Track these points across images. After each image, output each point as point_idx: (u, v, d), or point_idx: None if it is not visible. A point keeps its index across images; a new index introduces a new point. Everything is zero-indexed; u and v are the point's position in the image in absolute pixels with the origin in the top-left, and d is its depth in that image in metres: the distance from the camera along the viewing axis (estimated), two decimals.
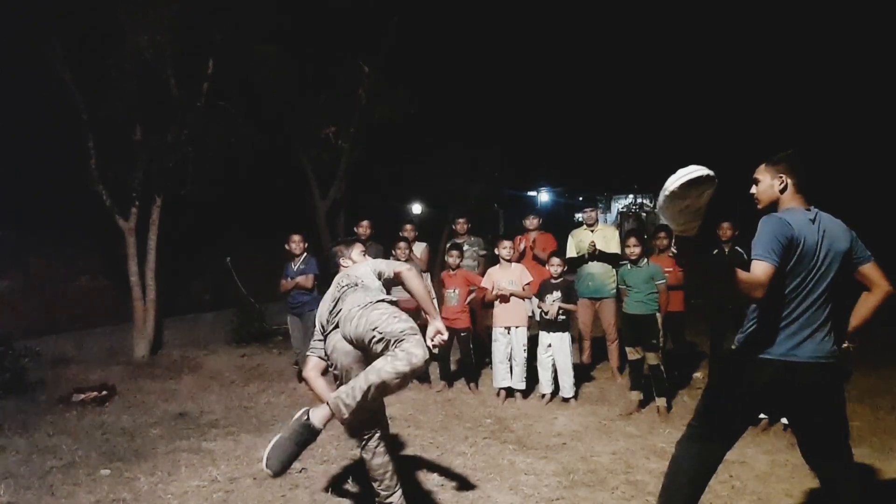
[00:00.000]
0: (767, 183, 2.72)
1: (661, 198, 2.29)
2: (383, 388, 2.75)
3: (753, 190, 2.79)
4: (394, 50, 9.97)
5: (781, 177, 2.68)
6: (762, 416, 4.70)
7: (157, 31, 6.86)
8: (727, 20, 15.47)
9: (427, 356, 2.80)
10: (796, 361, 2.52)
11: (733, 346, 2.72)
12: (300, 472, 4.00)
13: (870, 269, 2.69)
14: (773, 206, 2.72)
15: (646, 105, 18.06)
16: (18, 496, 3.70)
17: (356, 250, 3.58)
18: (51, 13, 6.55)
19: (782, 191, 2.68)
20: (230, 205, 10.15)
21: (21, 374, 6.00)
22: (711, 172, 2.23)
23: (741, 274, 2.41)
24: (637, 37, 17.34)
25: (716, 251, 6.07)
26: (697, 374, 6.43)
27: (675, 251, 2.54)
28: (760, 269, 2.44)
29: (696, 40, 15.97)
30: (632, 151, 18.87)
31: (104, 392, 5.77)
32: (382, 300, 3.05)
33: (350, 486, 3.85)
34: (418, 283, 3.30)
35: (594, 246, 6.23)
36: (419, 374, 3.09)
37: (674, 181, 2.22)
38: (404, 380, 2.77)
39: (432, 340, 3.15)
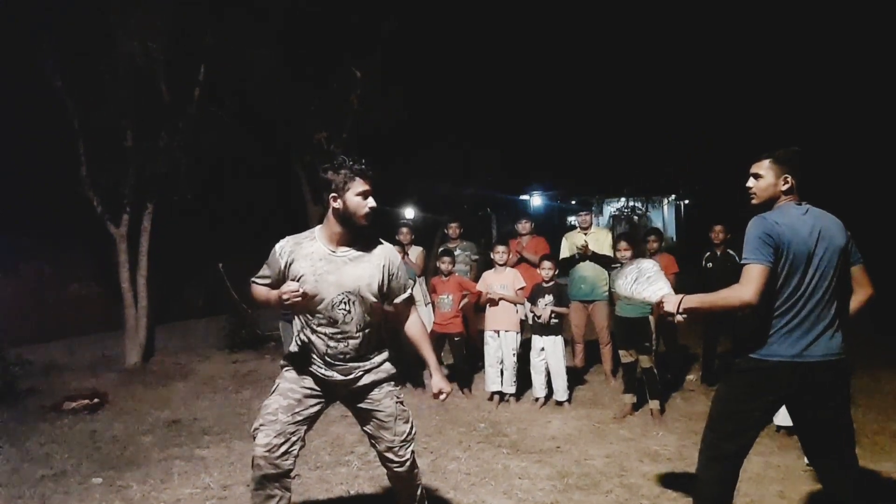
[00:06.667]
0: (770, 181, 2.64)
1: (620, 291, 2.99)
2: None
3: (751, 184, 2.70)
4: (387, 55, 9.97)
5: (787, 177, 2.61)
6: None
7: (148, 36, 6.84)
8: (722, 23, 15.54)
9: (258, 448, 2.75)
10: (811, 361, 2.49)
11: (734, 348, 2.69)
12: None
13: (858, 271, 2.70)
14: (770, 202, 2.66)
15: (637, 108, 18.09)
16: None
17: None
18: (42, 20, 6.52)
19: (786, 192, 2.63)
20: (222, 210, 10.14)
21: (12, 382, 5.97)
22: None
23: (730, 290, 2.51)
24: (629, 40, 17.40)
25: (708, 254, 6.11)
26: (690, 377, 6.45)
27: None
28: (753, 271, 2.45)
29: (688, 45, 16.05)
30: (623, 155, 18.91)
31: (96, 400, 5.74)
32: None
33: (344, 492, 3.84)
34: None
35: (586, 246, 6.19)
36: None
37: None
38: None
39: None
